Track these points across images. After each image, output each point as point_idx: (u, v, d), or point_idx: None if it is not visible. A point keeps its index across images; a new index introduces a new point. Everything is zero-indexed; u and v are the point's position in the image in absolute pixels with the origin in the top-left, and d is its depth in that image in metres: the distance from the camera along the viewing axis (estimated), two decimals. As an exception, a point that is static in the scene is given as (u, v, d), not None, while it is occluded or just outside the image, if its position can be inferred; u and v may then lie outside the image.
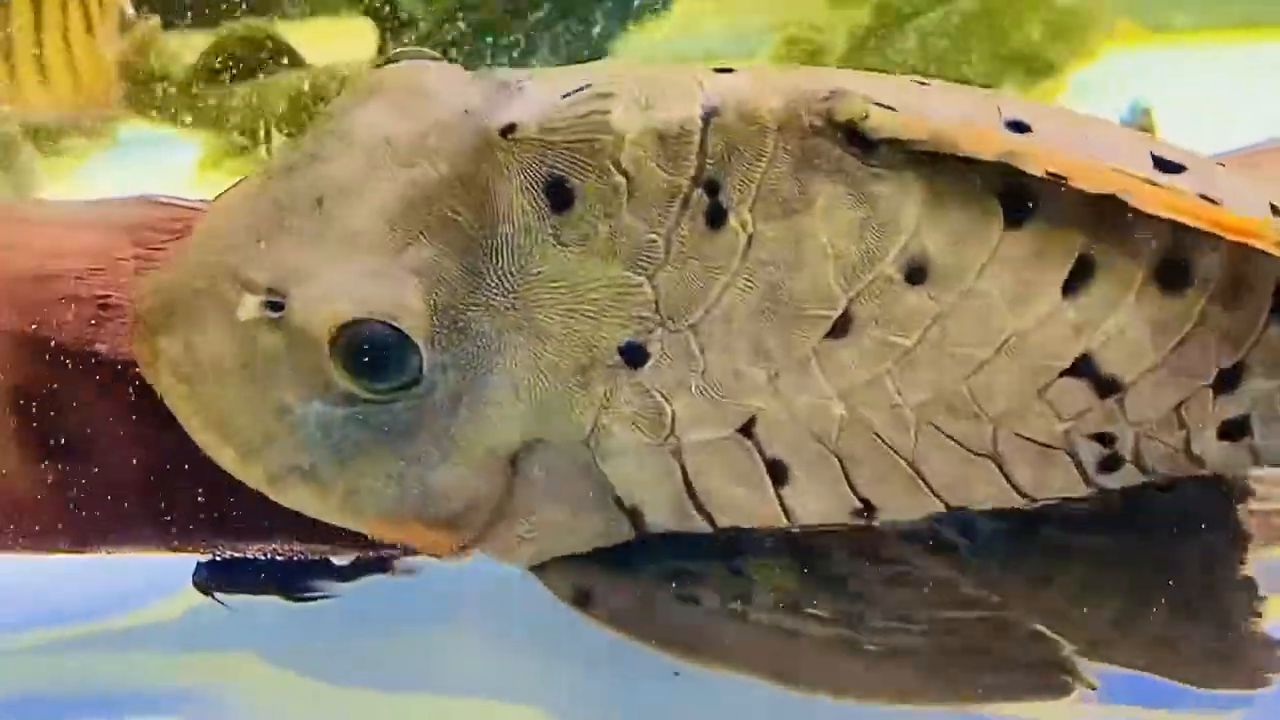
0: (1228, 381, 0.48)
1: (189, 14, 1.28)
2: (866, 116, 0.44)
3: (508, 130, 0.45)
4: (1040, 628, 0.47)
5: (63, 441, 0.52)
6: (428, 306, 0.45)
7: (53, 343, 0.51)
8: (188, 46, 1.30)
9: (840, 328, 0.46)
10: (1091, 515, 0.50)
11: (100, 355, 0.51)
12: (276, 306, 0.44)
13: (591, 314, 0.46)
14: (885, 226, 0.45)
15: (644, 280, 0.46)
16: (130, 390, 0.51)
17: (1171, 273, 0.46)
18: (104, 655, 0.64)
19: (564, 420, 0.47)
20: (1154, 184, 0.45)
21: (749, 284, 0.46)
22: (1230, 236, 0.44)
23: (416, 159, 0.46)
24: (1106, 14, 1.25)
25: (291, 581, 0.61)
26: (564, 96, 0.47)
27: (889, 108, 0.45)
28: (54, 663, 0.64)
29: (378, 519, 0.47)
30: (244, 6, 1.27)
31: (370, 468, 0.47)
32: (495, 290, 0.46)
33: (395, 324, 0.44)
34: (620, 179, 0.45)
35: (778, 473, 0.47)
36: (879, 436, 0.47)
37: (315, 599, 0.61)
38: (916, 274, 0.45)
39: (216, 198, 0.52)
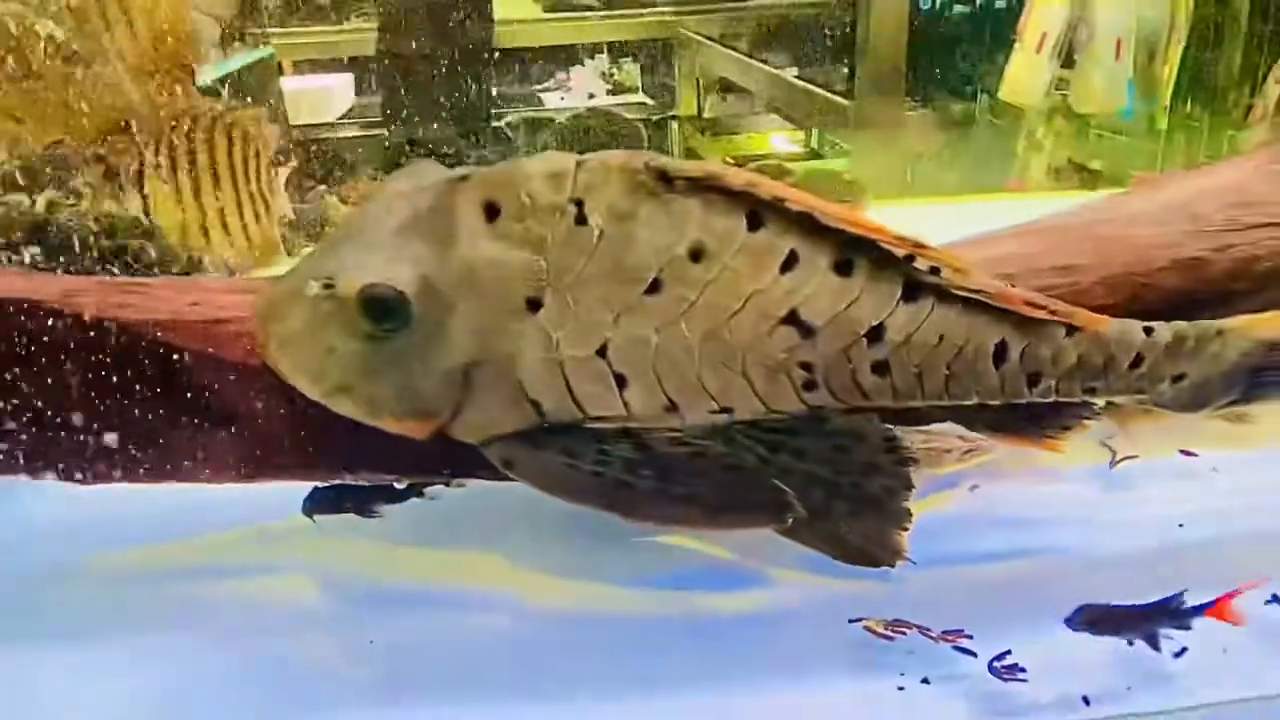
0: (875, 335, 0.48)
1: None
2: (668, 165, 0.46)
3: (462, 178, 0.47)
4: (776, 482, 0.49)
5: (232, 416, 0.52)
6: (415, 277, 0.46)
7: (228, 361, 0.52)
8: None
9: (653, 287, 0.47)
10: (814, 453, 0.51)
11: (257, 366, 0.51)
12: (330, 286, 0.46)
13: (510, 280, 0.47)
14: (679, 228, 0.46)
15: (540, 259, 0.47)
16: (275, 385, 0.50)
17: (842, 265, 0.47)
18: (256, 545, 0.62)
19: (495, 346, 0.47)
20: (830, 205, 0.47)
21: (600, 260, 0.47)
22: (845, 227, 0.47)
23: (412, 199, 0.48)
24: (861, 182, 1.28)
25: (362, 505, 0.60)
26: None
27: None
28: (220, 547, 0.62)
29: (390, 416, 0.48)
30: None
31: (383, 381, 0.47)
32: (454, 267, 0.47)
33: (395, 286, 0.45)
34: (527, 199, 0.46)
35: (620, 380, 0.48)
36: (677, 359, 0.48)
37: (377, 515, 0.60)
38: (697, 255, 0.46)
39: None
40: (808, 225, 0.47)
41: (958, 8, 1.93)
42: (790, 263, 0.47)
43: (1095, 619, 0.50)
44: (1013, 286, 0.52)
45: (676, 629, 0.54)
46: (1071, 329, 0.50)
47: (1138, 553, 0.58)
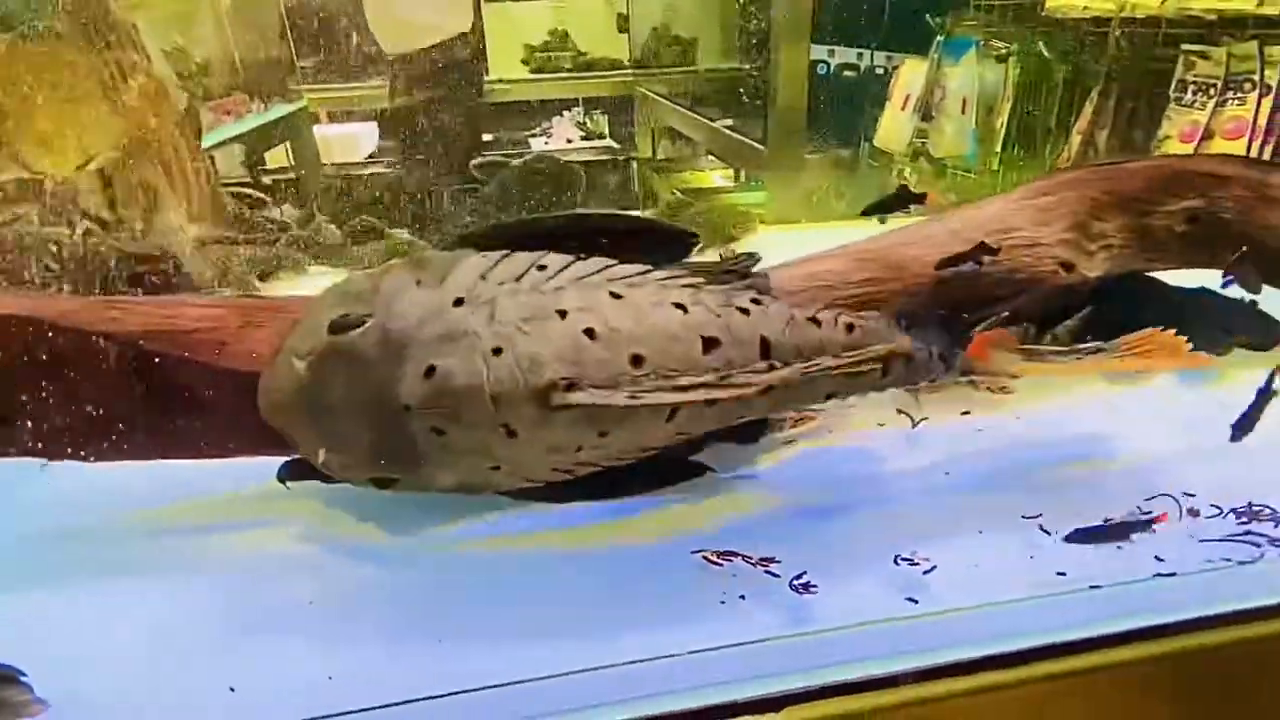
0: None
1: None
2: (569, 400, 0.44)
3: (405, 409, 0.44)
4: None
5: (203, 406, 0.52)
6: (403, 479, 0.47)
7: (198, 363, 0.51)
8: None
9: (576, 450, 0.46)
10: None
11: (222, 368, 0.51)
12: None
13: (473, 465, 0.47)
14: (585, 430, 0.46)
15: (490, 458, 0.46)
16: (229, 385, 0.50)
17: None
18: (240, 505, 0.60)
19: (482, 484, 0.48)
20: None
21: (535, 450, 0.46)
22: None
23: (377, 413, 0.44)
24: (759, 212, 1.30)
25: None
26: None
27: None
28: (210, 508, 0.60)
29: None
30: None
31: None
32: (428, 468, 0.46)
33: (388, 476, 0.47)
34: (468, 427, 0.44)
35: (577, 467, 0.49)
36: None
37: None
38: (604, 434, 0.46)
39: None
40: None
41: (846, 73, 1.98)
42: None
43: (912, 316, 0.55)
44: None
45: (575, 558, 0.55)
46: (886, 370, 0.52)
47: (920, 488, 0.60)
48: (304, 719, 0.42)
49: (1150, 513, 0.53)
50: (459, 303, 0.47)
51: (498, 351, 0.44)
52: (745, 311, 0.51)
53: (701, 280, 0.53)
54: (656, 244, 0.53)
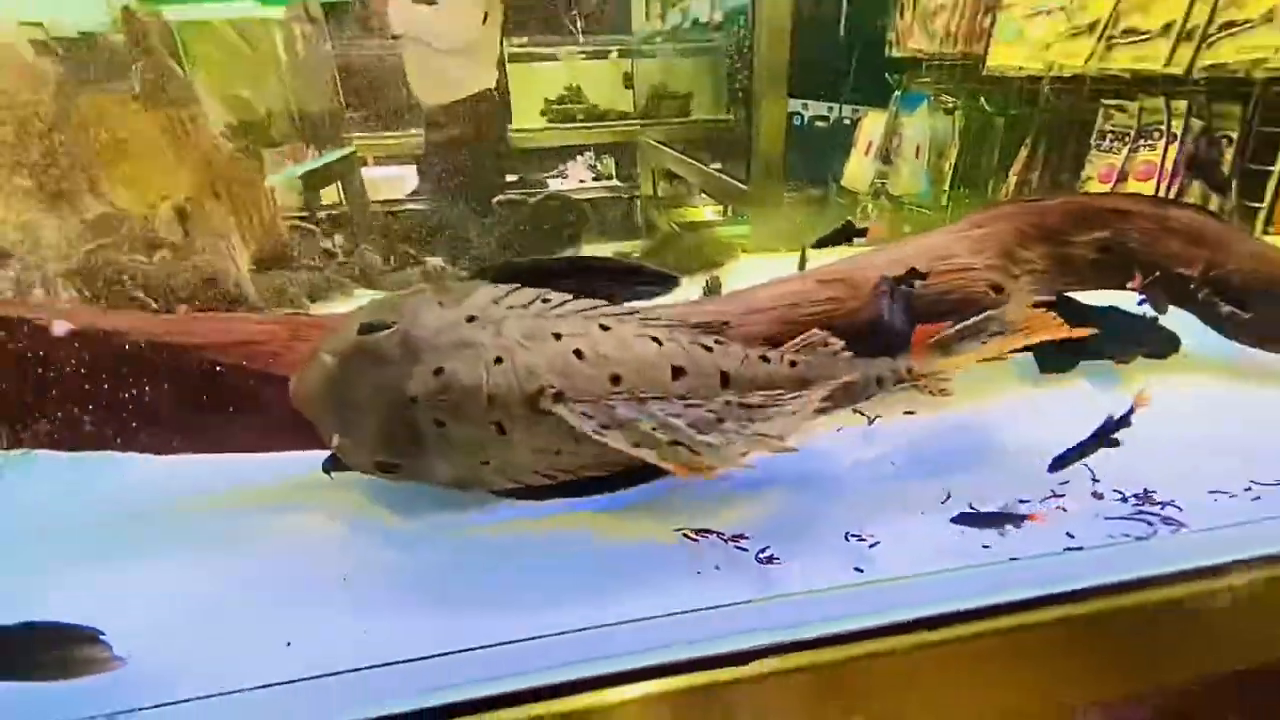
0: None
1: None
2: (556, 410, 0.45)
3: (412, 399, 0.45)
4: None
5: (258, 407, 0.52)
6: (404, 464, 0.46)
7: (254, 370, 0.51)
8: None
9: (555, 454, 0.47)
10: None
11: (274, 374, 0.52)
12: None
13: (467, 457, 0.46)
14: (571, 429, 0.45)
15: (480, 455, 0.46)
16: (273, 390, 0.51)
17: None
18: (289, 492, 0.60)
19: (474, 480, 0.48)
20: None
21: (521, 450, 0.46)
22: None
23: (388, 406, 0.45)
24: (742, 242, 1.33)
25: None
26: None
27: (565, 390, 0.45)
28: (263, 494, 0.60)
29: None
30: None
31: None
32: (428, 457, 0.46)
33: (392, 462, 0.46)
34: (466, 420, 0.44)
35: (562, 472, 0.48)
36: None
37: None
38: (579, 439, 0.45)
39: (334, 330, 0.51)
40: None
41: (817, 123, 2.04)
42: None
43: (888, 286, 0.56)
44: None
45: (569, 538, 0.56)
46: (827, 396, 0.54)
47: (870, 476, 0.62)
48: (345, 669, 0.43)
49: (1027, 509, 0.53)
50: (472, 319, 0.48)
51: (499, 360, 0.46)
52: (709, 349, 0.54)
53: (677, 322, 0.55)
54: (644, 281, 0.56)
